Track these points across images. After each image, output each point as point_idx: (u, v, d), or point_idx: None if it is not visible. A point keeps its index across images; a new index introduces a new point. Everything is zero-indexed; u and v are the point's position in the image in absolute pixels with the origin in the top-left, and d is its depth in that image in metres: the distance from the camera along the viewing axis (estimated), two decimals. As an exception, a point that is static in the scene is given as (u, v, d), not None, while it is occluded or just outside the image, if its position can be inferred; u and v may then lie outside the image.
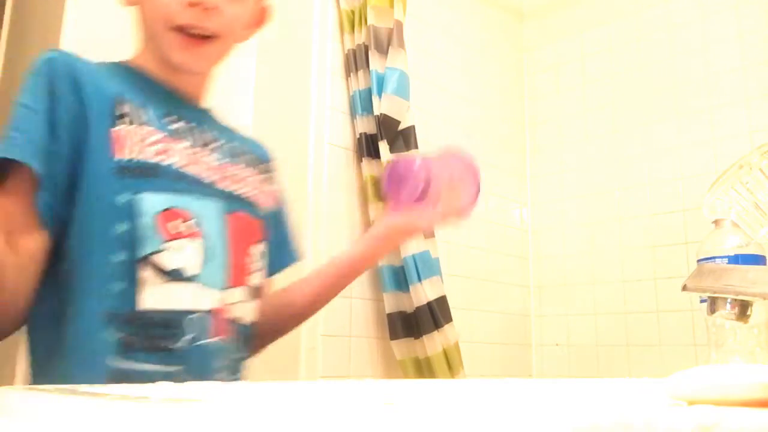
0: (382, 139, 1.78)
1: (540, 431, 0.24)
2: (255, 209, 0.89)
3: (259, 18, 0.91)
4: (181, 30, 0.79)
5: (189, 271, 0.76)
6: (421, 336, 1.72)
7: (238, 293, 0.82)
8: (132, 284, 0.72)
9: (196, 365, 0.75)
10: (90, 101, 0.75)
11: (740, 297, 0.71)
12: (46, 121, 0.72)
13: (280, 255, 0.97)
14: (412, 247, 1.72)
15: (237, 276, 0.82)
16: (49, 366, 0.74)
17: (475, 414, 0.25)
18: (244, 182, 0.88)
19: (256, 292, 0.87)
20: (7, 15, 1.48)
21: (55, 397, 0.37)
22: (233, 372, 0.83)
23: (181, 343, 0.74)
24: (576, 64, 2.45)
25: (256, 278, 0.87)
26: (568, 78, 2.46)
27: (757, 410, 0.26)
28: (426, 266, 1.74)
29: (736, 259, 1.00)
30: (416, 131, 1.83)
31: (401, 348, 1.76)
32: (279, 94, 1.69)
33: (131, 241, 0.73)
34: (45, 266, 0.73)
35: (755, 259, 0.99)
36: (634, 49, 2.29)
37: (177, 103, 0.84)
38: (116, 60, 0.86)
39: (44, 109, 0.72)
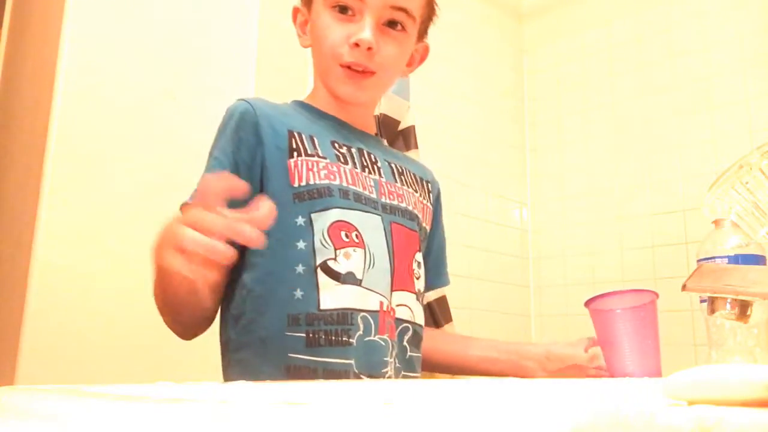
0: (381, 138, 1.78)
1: (540, 431, 0.24)
2: (413, 222, 0.99)
3: (421, 55, 1.06)
4: (347, 67, 0.93)
5: (357, 275, 0.87)
6: (422, 336, 1.72)
7: (404, 296, 0.93)
8: (312, 289, 0.85)
9: (366, 359, 0.85)
10: (267, 139, 0.89)
11: (740, 297, 0.71)
12: (230, 164, 0.86)
13: (431, 274, 1.04)
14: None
15: (402, 281, 0.93)
16: (240, 359, 0.86)
17: (474, 414, 0.25)
18: (404, 198, 0.99)
19: (422, 297, 0.97)
20: (7, 15, 1.48)
21: (55, 397, 0.37)
22: (408, 369, 0.92)
23: (354, 338, 0.85)
24: (576, 64, 2.45)
25: (421, 283, 0.97)
26: (568, 78, 2.46)
27: (757, 410, 0.26)
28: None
29: (736, 259, 0.99)
30: (416, 131, 1.83)
31: (401, 348, 1.76)
32: (279, 94, 1.69)
33: (309, 253, 0.85)
34: (227, 278, 0.87)
35: (755, 259, 0.99)
36: (634, 49, 2.29)
37: (344, 132, 0.98)
38: (293, 99, 1.02)
39: (230, 154, 0.87)
